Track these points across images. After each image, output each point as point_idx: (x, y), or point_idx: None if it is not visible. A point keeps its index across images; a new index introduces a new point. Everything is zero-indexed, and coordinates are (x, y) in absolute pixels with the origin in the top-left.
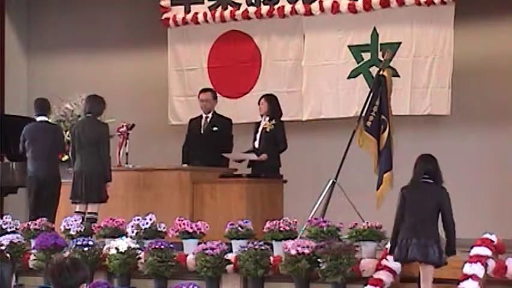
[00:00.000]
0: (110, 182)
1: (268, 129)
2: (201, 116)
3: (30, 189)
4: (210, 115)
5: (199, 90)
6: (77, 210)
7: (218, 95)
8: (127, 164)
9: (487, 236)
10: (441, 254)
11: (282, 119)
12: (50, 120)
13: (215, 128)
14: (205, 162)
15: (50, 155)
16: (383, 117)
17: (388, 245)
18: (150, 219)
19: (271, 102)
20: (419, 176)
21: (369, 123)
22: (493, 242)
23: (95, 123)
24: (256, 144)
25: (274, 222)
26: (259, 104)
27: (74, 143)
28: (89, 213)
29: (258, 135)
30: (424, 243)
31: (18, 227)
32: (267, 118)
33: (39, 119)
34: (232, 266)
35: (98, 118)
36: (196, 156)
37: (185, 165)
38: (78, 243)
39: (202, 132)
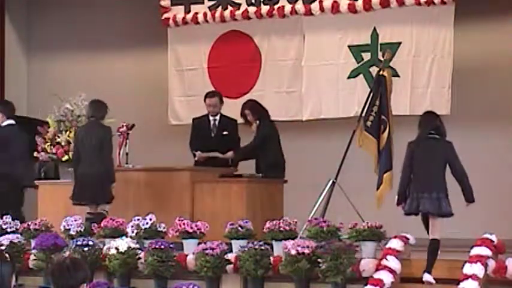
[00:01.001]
0: (114, 182)
1: (254, 132)
2: (207, 117)
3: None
4: (217, 117)
5: (205, 94)
6: (88, 211)
7: None
8: (127, 164)
9: (487, 236)
10: (450, 206)
11: (282, 119)
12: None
13: (225, 132)
14: (216, 164)
15: (23, 157)
16: (383, 117)
17: (396, 197)
18: (150, 219)
19: (253, 108)
20: (427, 132)
21: (369, 123)
22: (493, 242)
23: (97, 127)
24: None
25: (274, 222)
26: (245, 115)
27: (78, 146)
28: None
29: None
30: (436, 196)
31: (18, 227)
32: (256, 122)
33: (7, 122)
34: (232, 266)
35: (100, 122)
36: (208, 158)
37: (199, 153)
38: (78, 243)
39: (213, 135)
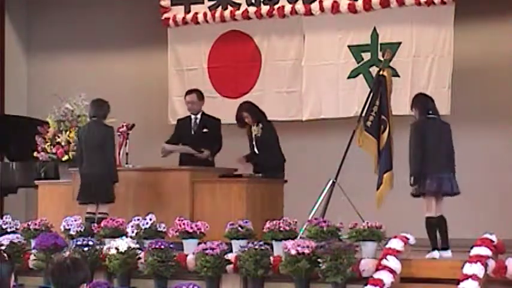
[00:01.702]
0: (117, 182)
1: (259, 134)
2: (189, 117)
3: None
4: (198, 116)
5: (185, 92)
6: (88, 210)
7: (218, 95)
8: (127, 164)
9: (487, 236)
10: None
11: (282, 119)
12: None
13: (205, 130)
14: (196, 163)
15: None
16: (383, 117)
17: (412, 178)
18: (150, 219)
19: (251, 110)
20: (426, 113)
21: (369, 123)
22: (493, 242)
23: (100, 126)
24: (256, 151)
25: (274, 222)
26: (242, 118)
27: (81, 146)
28: (100, 213)
29: (254, 142)
30: (452, 176)
31: (18, 227)
32: (255, 124)
33: None
34: (232, 266)
35: (102, 121)
36: (188, 157)
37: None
38: (78, 243)
39: (193, 133)
